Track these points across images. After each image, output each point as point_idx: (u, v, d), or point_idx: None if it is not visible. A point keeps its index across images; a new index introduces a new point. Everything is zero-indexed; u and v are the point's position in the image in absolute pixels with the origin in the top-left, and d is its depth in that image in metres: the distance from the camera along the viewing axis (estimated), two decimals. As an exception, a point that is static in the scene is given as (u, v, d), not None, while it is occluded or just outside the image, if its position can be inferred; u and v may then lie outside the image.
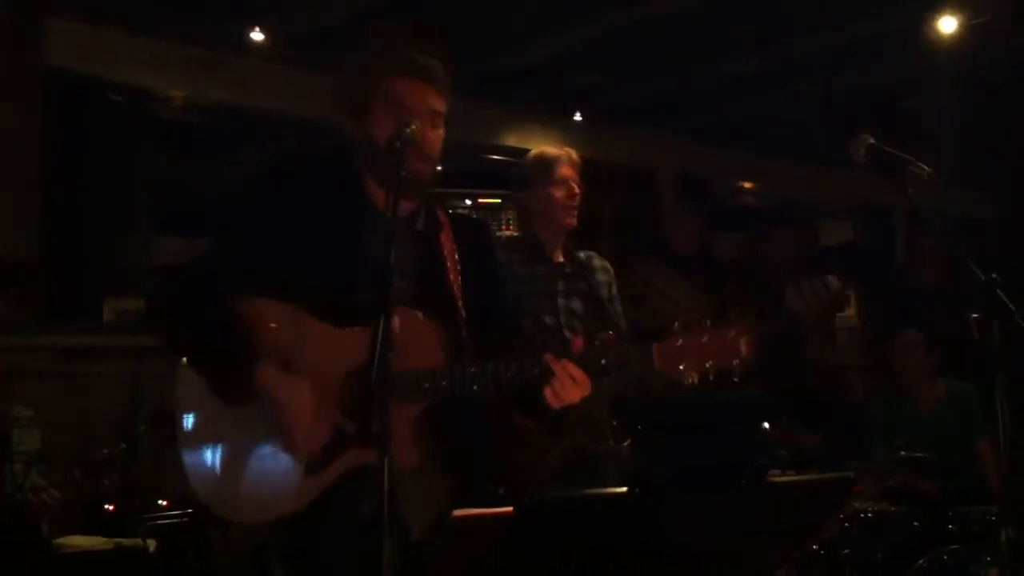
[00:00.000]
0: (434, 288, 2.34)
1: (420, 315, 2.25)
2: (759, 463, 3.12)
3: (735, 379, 2.58)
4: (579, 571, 2.65)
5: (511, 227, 3.97)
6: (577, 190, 3.14)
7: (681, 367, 2.32)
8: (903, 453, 3.66)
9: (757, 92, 7.71)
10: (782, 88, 7.66)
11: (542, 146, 3.27)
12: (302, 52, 6.30)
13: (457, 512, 2.44)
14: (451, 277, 2.37)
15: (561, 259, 3.17)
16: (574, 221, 3.16)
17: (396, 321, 2.07)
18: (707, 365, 2.37)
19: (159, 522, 4.06)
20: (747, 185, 9.01)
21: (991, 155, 8.46)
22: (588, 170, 3.26)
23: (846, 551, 3.30)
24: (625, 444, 3.12)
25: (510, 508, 2.36)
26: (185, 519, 4.04)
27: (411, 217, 2.34)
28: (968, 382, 4.47)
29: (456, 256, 2.38)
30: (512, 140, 7.45)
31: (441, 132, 2.31)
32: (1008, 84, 7.44)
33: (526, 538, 2.53)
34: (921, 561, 3.14)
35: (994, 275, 2.43)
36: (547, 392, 2.22)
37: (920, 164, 2.82)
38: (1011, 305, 2.39)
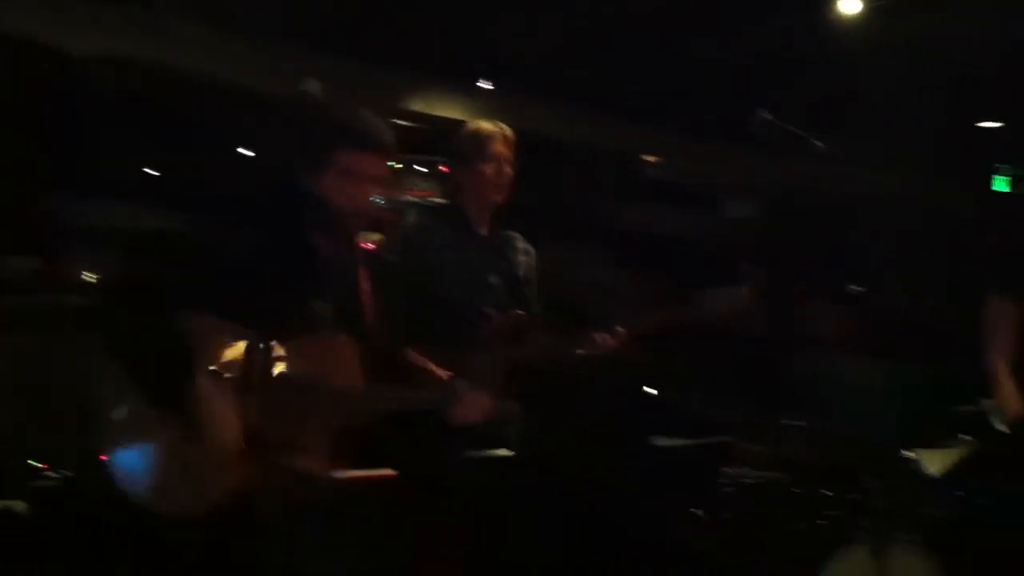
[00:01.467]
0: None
1: None
2: (645, 428, 3.20)
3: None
4: (466, 533, 2.68)
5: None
6: (508, 168, 3.16)
7: None
8: (783, 422, 3.78)
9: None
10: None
11: (478, 121, 3.27)
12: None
13: (346, 473, 2.47)
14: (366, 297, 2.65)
15: (485, 233, 3.19)
16: (503, 198, 3.18)
17: None
18: None
19: (35, 484, 3.90)
20: (652, 159, 9.09)
21: (900, 136, 8.62)
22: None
23: (727, 515, 3.41)
24: (515, 408, 3.15)
25: (393, 471, 2.40)
26: (65, 483, 3.90)
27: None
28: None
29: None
30: (419, 106, 7.42)
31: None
32: (912, 66, 7.60)
33: (415, 499, 2.56)
34: (798, 525, 3.26)
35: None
36: None
37: (814, 140, 2.88)
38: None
